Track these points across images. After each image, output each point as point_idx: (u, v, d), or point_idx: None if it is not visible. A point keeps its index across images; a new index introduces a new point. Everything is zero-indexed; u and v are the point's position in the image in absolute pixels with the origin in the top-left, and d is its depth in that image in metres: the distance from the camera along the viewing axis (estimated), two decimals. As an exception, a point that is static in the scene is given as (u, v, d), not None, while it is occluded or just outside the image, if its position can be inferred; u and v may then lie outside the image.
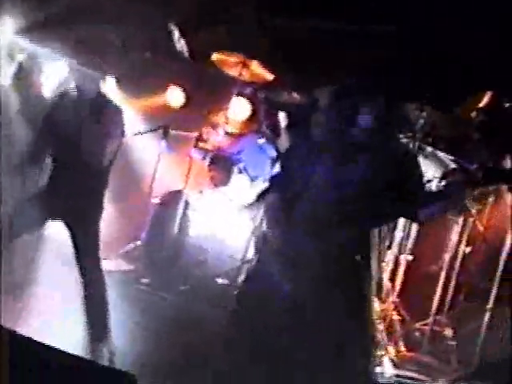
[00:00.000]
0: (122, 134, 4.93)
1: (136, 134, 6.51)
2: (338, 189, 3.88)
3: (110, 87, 7.39)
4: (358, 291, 3.71)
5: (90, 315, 4.70)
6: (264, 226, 4.96)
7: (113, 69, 7.47)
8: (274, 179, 4.70)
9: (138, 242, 6.64)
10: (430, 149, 5.73)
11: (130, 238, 6.77)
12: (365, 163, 3.78)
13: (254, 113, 6.96)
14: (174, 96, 7.54)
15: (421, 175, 3.88)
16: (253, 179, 6.29)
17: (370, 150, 3.85)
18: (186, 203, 6.23)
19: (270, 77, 6.54)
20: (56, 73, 5.66)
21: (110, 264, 6.25)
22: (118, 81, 7.55)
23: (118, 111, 4.97)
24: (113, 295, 5.36)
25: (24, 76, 6.07)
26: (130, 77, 7.67)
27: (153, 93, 7.77)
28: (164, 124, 6.57)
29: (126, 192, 6.83)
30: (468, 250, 5.95)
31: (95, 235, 4.79)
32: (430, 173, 5.49)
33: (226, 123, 6.81)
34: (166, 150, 6.57)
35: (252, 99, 6.82)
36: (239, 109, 7.01)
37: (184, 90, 7.51)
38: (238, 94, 6.67)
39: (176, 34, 7.29)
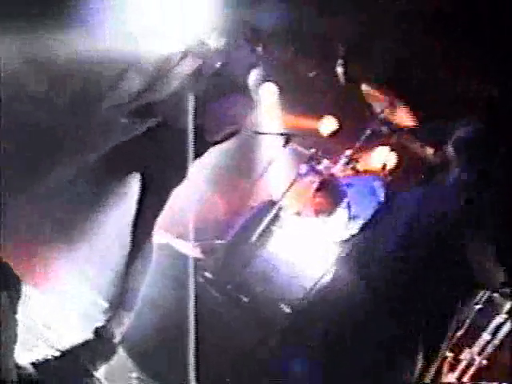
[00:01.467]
0: (240, 127, 4.80)
1: (258, 133, 6.34)
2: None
3: (269, 92, 7.47)
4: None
5: (126, 280, 4.50)
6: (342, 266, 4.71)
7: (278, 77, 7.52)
8: (369, 224, 4.53)
9: (221, 241, 6.42)
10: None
11: (216, 235, 6.58)
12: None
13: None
14: (326, 124, 7.38)
15: None
16: (352, 218, 5.87)
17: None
18: (276, 216, 5.92)
19: (410, 123, 6.13)
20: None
21: (182, 245, 6.08)
22: (281, 90, 7.57)
23: (252, 106, 4.88)
24: (166, 273, 5.18)
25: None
26: (292, 91, 7.63)
27: (307, 114, 7.64)
28: (290, 133, 6.32)
29: (229, 184, 6.69)
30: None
31: (160, 205, 4.60)
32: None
33: (357, 161, 6.50)
34: (281, 158, 6.33)
35: (387, 142, 6.45)
36: (383, 157, 6.69)
37: (337, 119, 7.33)
38: (372, 132, 6.31)
39: (340, 57, 7.10)
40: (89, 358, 3.57)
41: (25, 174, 4.17)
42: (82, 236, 4.43)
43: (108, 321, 4.09)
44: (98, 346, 3.75)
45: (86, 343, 3.72)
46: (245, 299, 5.71)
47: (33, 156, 4.37)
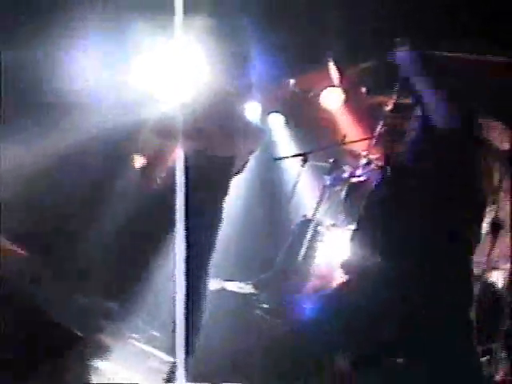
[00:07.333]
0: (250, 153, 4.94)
1: (276, 159, 6.52)
2: None
3: (277, 121, 7.70)
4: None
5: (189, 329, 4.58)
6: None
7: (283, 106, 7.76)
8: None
9: (269, 273, 6.52)
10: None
11: (264, 266, 6.67)
12: None
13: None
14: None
15: None
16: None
17: None
18: (315, 232, 6.01)
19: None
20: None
21: (233, 286, 6.20)
22: (287, 118, 7.79)
23: (260, 136, 5.04)
24: (229, 315, 5.33)
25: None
26: (299, 116, 7.83)
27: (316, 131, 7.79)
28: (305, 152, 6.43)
29: (263, 214, 6.85)
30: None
31: (209, 249, 4.69)
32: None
33: (376, 158, 6.59)
34: (304, 178, 6.45)
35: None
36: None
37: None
38: (384, 125, 6.39)
39: (332, 66, 7.29)
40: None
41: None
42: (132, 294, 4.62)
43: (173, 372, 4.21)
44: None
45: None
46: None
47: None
